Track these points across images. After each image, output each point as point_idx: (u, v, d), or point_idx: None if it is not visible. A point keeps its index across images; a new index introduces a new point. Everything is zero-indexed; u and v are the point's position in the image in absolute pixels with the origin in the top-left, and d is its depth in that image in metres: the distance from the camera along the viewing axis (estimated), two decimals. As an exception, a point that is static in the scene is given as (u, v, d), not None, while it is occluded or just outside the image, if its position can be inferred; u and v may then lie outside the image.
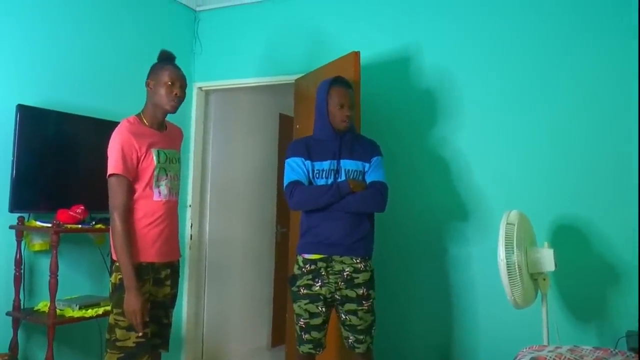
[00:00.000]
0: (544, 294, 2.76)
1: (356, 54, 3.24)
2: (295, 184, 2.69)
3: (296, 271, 2.73)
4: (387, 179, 2.77)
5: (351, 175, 2.70)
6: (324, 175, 2.70)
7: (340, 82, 2.77)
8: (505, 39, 3.39)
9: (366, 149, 2.78)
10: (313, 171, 2.71)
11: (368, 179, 2.73)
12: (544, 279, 2.74)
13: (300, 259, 2.72)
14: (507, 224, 2.67)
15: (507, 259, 2.59)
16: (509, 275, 2.58)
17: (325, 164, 2.70)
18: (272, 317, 5.21)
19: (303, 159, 2.72)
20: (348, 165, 2.71)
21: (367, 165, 2.74)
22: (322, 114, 2.75)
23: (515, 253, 2.60)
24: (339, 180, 2.67)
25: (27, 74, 3.27)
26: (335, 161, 2.71)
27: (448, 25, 3.56)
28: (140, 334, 2.41)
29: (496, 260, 2.63)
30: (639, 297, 2.87)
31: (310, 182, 2.72)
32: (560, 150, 3.21)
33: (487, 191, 3.38)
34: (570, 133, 3.19)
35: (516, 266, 2.59)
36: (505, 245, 2.61)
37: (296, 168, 2.72)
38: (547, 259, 2.68)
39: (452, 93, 3.51)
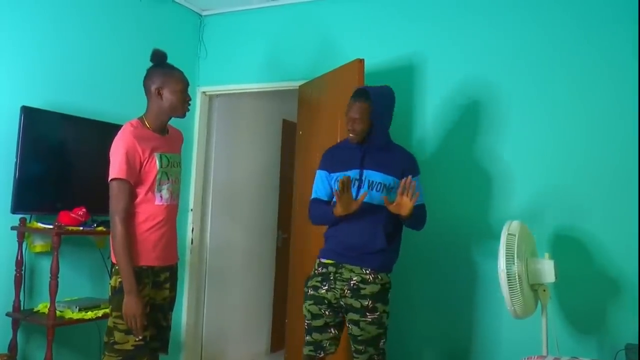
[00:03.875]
0: (544, 304, 2.75)
1: (360, 62, 3.25)
2: (312, 202, 2.82)
3: (312, 272, 2.77)
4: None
5: (374, 187, 2.66)
6: None
7: (354, 95, 2.74)
8: (507, 48, 3.39)
9: (397, 162, 2.73)
10: (337, 182, 2.65)
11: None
12: (544, 290, 2.74)
13: (317, 261, 2.77)
14: (508, 234, 2.67)
15: (507, 269, 2.59)
16: (509, 285, 2.58)
17: (349, 173, 2.66)
18: (271, 322, 5.21)
19: (327, 172, 2.78)
20: (373, 176, 2.68)
21: (395, 180, 2.68)
22: None
23: (515, 263, 2.59)
24: (355, 195, 2.64)
25: (32, 76, 3.29)
26: (358, 170, 2.69)
27: (452, 35, 3.56)
28: (140, 338, 2.42)
29: (496, 270, 2.62)
30: (639, 309, 2.88)
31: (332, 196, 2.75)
32: (561, 161, 3.21)
33: (487, 201, 3.38)
34: (572, 144, 3.19)
35: (516, 277, 2.58)
36: (506, 255, 2.61)
37: (318, 183, 2.81)
38: (547, 270, 2.68)
39: (456, 102, 3.51)
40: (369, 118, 2.68)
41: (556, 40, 3.28)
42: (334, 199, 2.64)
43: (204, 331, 4.52)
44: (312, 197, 2.83)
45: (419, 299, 3.56)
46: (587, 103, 3.18)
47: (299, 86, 3.96)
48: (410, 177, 2.54)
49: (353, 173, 2.68)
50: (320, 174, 2.82)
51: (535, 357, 2.47)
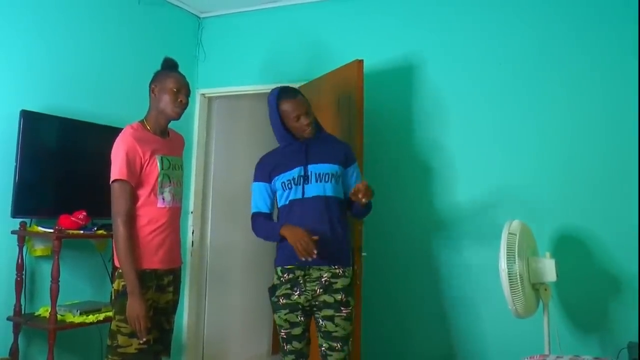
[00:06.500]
0: (545, 303, 2.76)
1: (359, 62, 3.25)
2: (254, 217, 2.71)
3: (275, 281, 2.67)
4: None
5: (322, 178, 2.60)
6: (293, 183, 2.61)
7: (286, 95, 2.63)
8: (507, 48, 3.40)
9: (337, 151, 2.69)
10: (283, 184, 2.62)
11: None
12: (546, 289, 2.74)
13: (278, 269, 2.67)
14: (509, 233, 2.68)
15: (508, 268, 2.59)
16: (510, 285, 2.59)
17: (295, 172, 2.61)
18: (272, 324, 5.19)
19: (265, 184, 2.68)
20: (317, 169, 2.61)
21: (340, 168, 2.65)
22: (279, 129, 2.67)
23: (517, 263, 2.60)
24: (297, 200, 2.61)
25: (32, 80, 3.28)
26: (302, 167, 2.61)
27: (450, 34, 3.58)
28: (143, 341, 2.41)
29: (497, 270, 2.63)
30: (640, 308, 2.89)
31: (275, 204, 2.69)
32: (562, 161, 3.22)
33: (489, 200, 3.38)
34: (572, 143, 3.21)
35: (518, 276, 2.59)
36: (507, 255, 2.61)
37: (257, 196, 2.69)
38: (548, 269, 2.69)
39: (454, 102, 3.52)
40: (311, 110, 2.65)
41: (547, 41, 3.31)
42: (281, 204, 2.65)
43: (205, 333, 4.51)
44: (253, 211, 2.71)
45: (410, 299, 3.57)
46: (587, 101, 3.20)
47: (298, 87, 3.94)
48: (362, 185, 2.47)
49: (296, 171, 2.61)
50: (258, 187, 2.69)
51: (538, 355, 2.47)
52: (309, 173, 2.61)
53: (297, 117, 2.59)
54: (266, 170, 2.69)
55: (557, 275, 2.67)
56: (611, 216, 3.08)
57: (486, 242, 3.28)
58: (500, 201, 3.34)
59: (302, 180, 2.60)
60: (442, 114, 3.55)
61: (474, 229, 3.41)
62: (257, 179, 2.72)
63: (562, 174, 3.21)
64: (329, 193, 2.60)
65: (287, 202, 2.64)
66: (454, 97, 3.52)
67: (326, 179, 2.61)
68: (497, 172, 3.38)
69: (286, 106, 2.60)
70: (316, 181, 2.60)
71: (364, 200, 2.46)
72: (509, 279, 2.59)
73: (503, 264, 2.60)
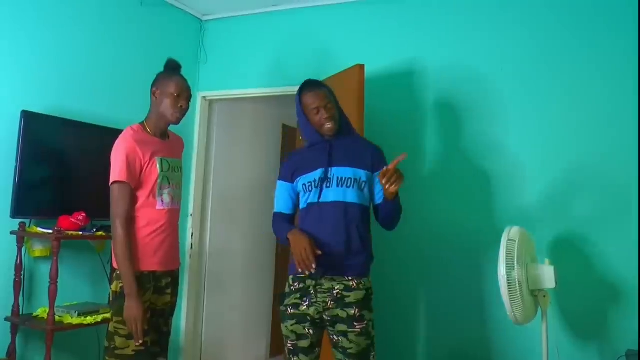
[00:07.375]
0: (544, 310, 2.75)
1: (361, 67, 3.26)
2: (274, 216, 2.66)
3: (286, 289, 2.53)
4: None
5: (344, 183, 2.46)
6: (314, 186, 2.49)
7: (308, 87, 2.54)
8: (508, 52, 3.40)
9: (365, 155, 2.54)
10: (304, 186, 2.52)
11: (381, 196, 2.51)
12: (544, 296, 2.73)
13: (290, 277, 2.53)
14: (509, 240, 2.67)
15: (507, 274, 2.58)
16: (509, 291, 2.58)
17: (317, 174, 2.49)
18: (271, 327, 5.20)
19: (288, 183, 2.60)
20: (340, 172, 2.47)
21: (366, 173, 2.50)
22: (305, 125, 2.56)
23: (515, 269, 2.59)
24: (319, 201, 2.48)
25: (33, 81, 3.28)
26: (324, 169, 2.48)
27: (452, 39, 3.58)
28: (140, 343, 2.41)
29: (494, 278, 2.62)
30: (639, 316, 2.87)
31: (298, 204, 2.60)
32: (561, 168, 3.22)
33: (490, 204, 3.38)
34: (572, 151, 3.20)
35: (516, 282, 2.58)
36: (506, 261, 2.60)
37: (279, 195, 2.64)
38: (547, 275, 2.67)
39: (455, 107, 3.52)
40: (335, 103, 2.53)
41: (548, 45, 3.32)
42: (301, 206, 2.54)
43: (203, 336, 4.51)
44: (274, 211, 2.65)
45: (415, 306, 3.57)
46: (589, 109, 3.19)
47: (300, 91, 3.96)
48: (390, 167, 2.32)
49: (318, 173, 2.48)
50: (281, 186, 2.62)
51: (536, 363, 2.47)
52: (331, 176, 2.47)
53: (317, 110, 2.48)
54: (290, 169, 2.59)
55: (556, 282, 2.67)
56: (611, 224, 3.08)
57: (487, 249, 3.28)
58: (499, 207, 3.34)
59: (321, 183, 2.47)
60: (444, 119, 3.55)
61: (476, 232, 3.41)
62: (281, 177, 2.63)
63: (562, 180, 3.21)
64: (350, 199, 2.45)
65: (306, 205, 2.51)
66: (456, 101, 3.52)
67: (348, 184, 2.46)
68: (497, 177, 3.38)
69: (306, 98, 2.51)
70: (337, 185, 2.46)
71: (388, 187, 2.29)
72: (508, 285, 2.58)
73: (502, 270, 2.60)
